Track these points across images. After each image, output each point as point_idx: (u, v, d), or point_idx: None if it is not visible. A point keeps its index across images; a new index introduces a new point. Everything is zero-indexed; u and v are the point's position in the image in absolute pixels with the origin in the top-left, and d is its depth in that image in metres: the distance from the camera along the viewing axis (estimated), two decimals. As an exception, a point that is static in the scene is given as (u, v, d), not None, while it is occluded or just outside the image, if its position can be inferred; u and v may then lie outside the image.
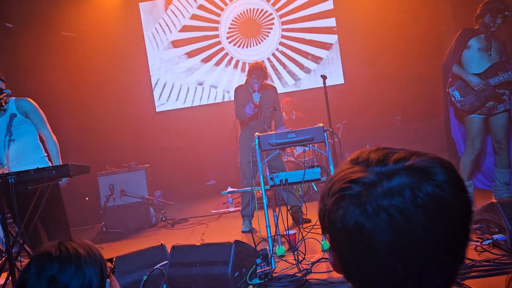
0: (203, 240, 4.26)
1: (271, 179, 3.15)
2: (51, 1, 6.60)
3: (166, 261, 2.92)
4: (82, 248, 1.11)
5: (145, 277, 2.83)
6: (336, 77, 7.77)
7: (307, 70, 7.86)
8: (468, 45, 3.77)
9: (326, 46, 7.84)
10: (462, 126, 4.09)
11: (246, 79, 4.40)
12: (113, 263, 1.26)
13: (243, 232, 4.39)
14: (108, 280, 1.15)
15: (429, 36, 7.24)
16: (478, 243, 2.92)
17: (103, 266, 1.14)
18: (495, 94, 3.68)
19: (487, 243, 2.89)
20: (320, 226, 0.67)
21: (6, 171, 3.13)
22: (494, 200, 3.05)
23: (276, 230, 3.33)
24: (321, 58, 7.84)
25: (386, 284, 0.59)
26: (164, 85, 8.05)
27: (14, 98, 3.41)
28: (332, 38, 7.83)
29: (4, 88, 3.27)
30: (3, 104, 3.06)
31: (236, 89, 4.47)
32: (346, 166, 0.65)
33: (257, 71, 4.22)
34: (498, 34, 3.83)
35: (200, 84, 8.01)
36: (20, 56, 6.42)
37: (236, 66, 7.91)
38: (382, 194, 0.58)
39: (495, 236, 2.90)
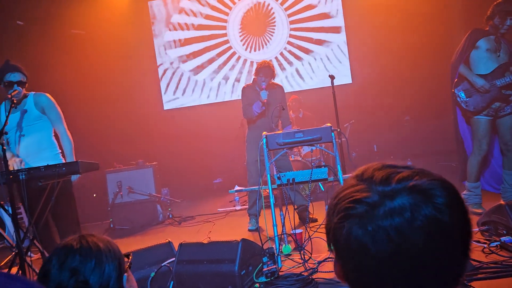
0: (209, 238, 4.28)
1: (278, 178, 3.16)
2: (59, -1, 6.67)
3: (174, 258, 2.94)
4: (102, 243, 1.14)
5: (152, 274, 2.86)
6: (344, 77, 7.75)
7: (314, 69, 7.85)
8: (476, 46, 3.75)
9: (334, 45, 7.82)
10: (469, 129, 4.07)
11: (254, 79, 4.42)
12: (130, 259, 1.28)
13: (249, 230, 4.41)
14: (125, 274, 1.18)
15: (438, 36, 7.19)
16: (485, 245, 2.91)
17: (121, 261, 1.17)
18: (501, 95, 3.65)
19: (495, 245, 2.88)
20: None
21: (18, 161, 3.17)
22: (502, 202, 3.03)
23: (282, 229, 3.34)
24: (328, 57, 7.83)
25: None
26: (172, 83, 8.09)
27: (34, 92, 3.45)
28: (340, 38, 7.81)
29: (25, 81, 3.32)
30: (15, 101, 3.10)
31: (244, 89, 4.49)
32: (351, 182, 0.68)
33: (264, 70, 4.24)
34: (510, 36, 3.80)
35: (208, 82, 8.03)
36: (30, 53, 6.49)
37: (244, 65, 7.93)
38: (383, 215, 0.60)
39: (503, 238, 2.88)
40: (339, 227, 0.64)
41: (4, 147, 2.85)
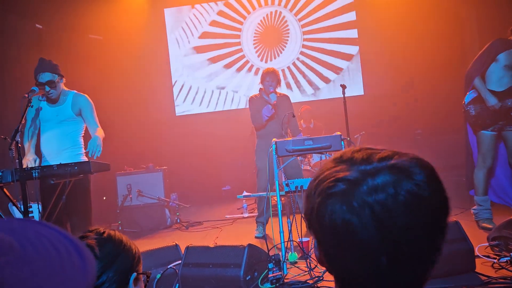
0: (216, 243, 4.28)
1: (287, 185, 3.17)
2: (79, 4, 6.79)
3: (180, 261, 2.96)
4: (124, 237, 1.19)
5: (158, 276, 2.87)
6: (356, 88, 7.75)
7: (327, 80, 7.87)
8: (496, 59, 3.64)
9: (347, 57, 7.84)
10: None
11: (260, 88, 4.49)
12: (148, 277, 1.29)
13: (256, 238, 4.41)
14: (135, 273, 1.19)
15: (451, 50, 7.17)
16: (495, 260, 2.87)
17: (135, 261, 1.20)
18: (508, 115, 3.63)
19: (505, 260, 2.84)
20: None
21: (32, 161, 3.22)
22: (513, 217, 3.00)
23: (289, 236, 3.34)
24: (341, 69, 7.85)
25: (369, 276, 0.63)
26: (184, 89, 8.17)
27: (75, 92, 3.53)
28: (353, 49, 7.83)
29: (56, 80, 3.37)
30: (31, 100, 3.16)
31: (251, 98, 4.55)
32: (331, 164, 0.69)
33: (271, 74, 4.34)
34: None
35: (220, 90, 8.10)
36: (48, 55, 6.56)
37: (256, 73, 7.98)
38: (367, 191, 0.61)
39: (512, 254, 2.84)
40: (322, 207, 0.64)
41: (20, 145, 2.91)
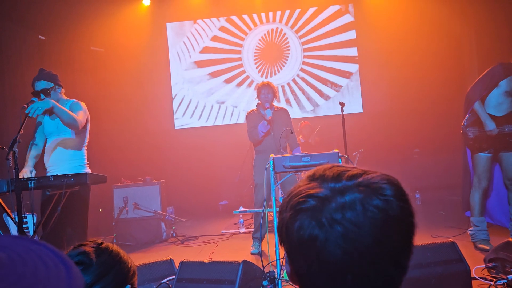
0: (211, 258, 4.25)
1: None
2: (82, 16, 6.87)
3: (174, 276, 2.92)
4: (120, 251, 1.19)
5: (151, 291, 2.84)
6: (355, 106, 7.79)
7: (326, 97, 7.92)
8: (499, 85, 3.68)
9: (346, 74, 7.90)
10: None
11: (257, 103, 4.51)
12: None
13: (252, 254, 4.37)
14: (129, 285, 1.19)
15: (450, 69, 7.24)
16: (492, 283, 2.85)
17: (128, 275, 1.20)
18: (505, 141, 3.68)
19: (502, 283, 2.81)
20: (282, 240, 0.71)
21: (28, 172, 3.21)
22: (510, 239, 2.98)
23: (285, 253, 3.31)
24: (341, 86, 7.90)
25: None
26: (183, 103, 8.21)
27: (73, 100, 3.48)
28: (353, 67, 7.89)
29: (50, 88, 3.34)
30: (28, 110, 3.14)
31: (248, 113, 4.57)
32: (304, 182, 0.70)
33: (266, 87, 4.38)
34: None
35: (220, 104, 8.13)
36: (50, 66, 6.63)
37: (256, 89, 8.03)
38: (335, 208, 0.62)
39: (510, 277, 2.82)
40: (291, 221, 0.65)
41: (16, 155, 2.91)
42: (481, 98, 3.76)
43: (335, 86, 7.92)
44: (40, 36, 6.81)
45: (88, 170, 3.45)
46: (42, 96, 3.29)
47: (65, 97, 3.51)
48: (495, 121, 3.67)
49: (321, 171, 0.70)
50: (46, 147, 3.42)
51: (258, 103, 4.53)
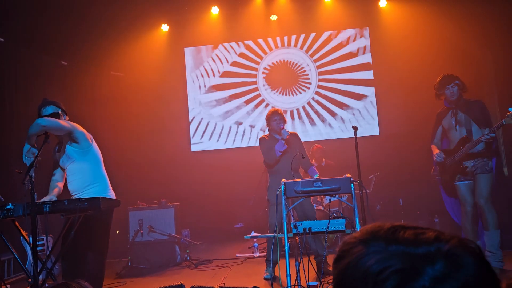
0: (224, 284, 4.22)
1: (295, 227, 3.14)
2: (102, 42, 7.10)
3: (184, 302, 2.91)
4: None
5: (161, 316, 2.83)
6: (371, 129, 7.74)
7: (341, 120, 7.89)
8: (442, 125, 4.31)
9: (362, 97, 7.89)
10: (453, 200, 4.51)
11: (269, 128, 4.57)
12: None
13: (265, 279, 4.32)
14: None
15: (468, 94, 7.11)
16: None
17: None
18: (460, 167, 4.07)
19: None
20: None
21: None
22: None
23: (297, 279, 3.26)
24: (357, 109, 7.88)
25: None
26: (201, 126, 8.30)
27: None
28: (368, 90, 7.88)
29: (59, 113, 3.37)
30: (48, 137, 3.21)
31: (262, 138, 4.65)
32: (360, 248, 0.57)
33: (277, 113, 4.49)
34: (469, 94, 4.30)
35: (238, 126, 8.20)
36: (72, 90, 6.89)
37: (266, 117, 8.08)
38: (429, 283, 0.51)
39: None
40: None
41: (33, 180, 2.98)
42: (433, 143, 4.43)
43: (351, 109, 7.90)
44: (62, 62, 7.06)
45: (111, 193, 3.44)
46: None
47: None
48: (449, 153, 4.16)
49: (380, 228, 0.57)
50: (67, 176, 3.45)
51: (269, 129, 4.59)
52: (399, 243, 0.53)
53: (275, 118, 4.45)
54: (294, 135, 4.59)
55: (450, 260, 0.52)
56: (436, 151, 4.26)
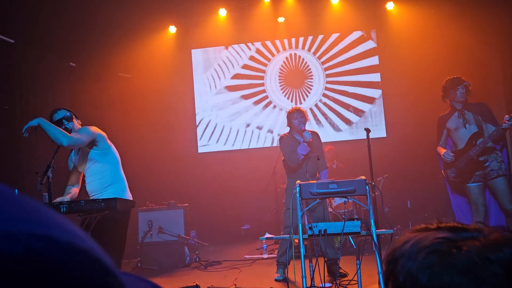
0: (235, 285, 4.23)
1: (310, 228, 3.14)
2: (110, 44, 7.12)
3: (200, 303, 2.92)
4: None
5: (178, 317, 2.84)
6: (378, 131, 7.75)
7: (349, 122, 7.90)
8: (447, 128, 4.30)
9: (369, 100, 7.90)
10: (461, 198, 4.52)
11: (290, 127, 4.48)
12: None
13: (276, 280, 4.32)
14: None
15: (476, 96, 7.09)
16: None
17: None
18: (477, 163, 4.04)
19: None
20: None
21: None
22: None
23: (311, 282, 3.27)
24: (364, 111, 7.89)
25: None
26: (208, 128, 8.32)
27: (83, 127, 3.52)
28: (376, 93, 7.89)
29: (71, 115, 3.39)
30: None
31: (282, 138, 4.52)
32: (414, 232, 0.65)
33: (299, 112, 4.37)
34: (473, 98, 4.32)
35: (246, 127, 8.21)
36: (81, 92, 6.91)
37: (279, 112, 8.09)
38: (484, 249, 0.57)
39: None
40: (425, 265, 0.59)
41: (50, 181, 3.00)
42: (440, 144, 4.43)
43: (358, 112, 7.91)
44: (71, 63, 7.09)
45: (129, 194, 3.45)
46: (65, 122, 3.29)
47: (80, 127, 3.51)
48: (459, 153, 4.16)
49: (436, 224, 0.65)
50: (84, 177, 3.47)
51: (290, 128, 4.50)
52: (457, 230, 0.61)
53: (296, 116, 4.32)
54: (315, 134, 4.47)
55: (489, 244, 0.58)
56: (443, 151, 4.26)
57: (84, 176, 3.46)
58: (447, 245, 0.59)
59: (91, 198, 3.36)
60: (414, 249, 0.62)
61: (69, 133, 3.19)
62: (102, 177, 3.36)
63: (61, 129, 3.15)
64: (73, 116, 3.44)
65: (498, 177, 3.99)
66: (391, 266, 0.65)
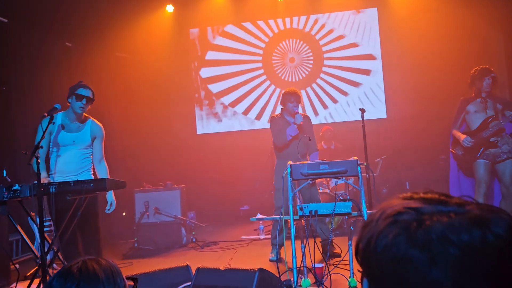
0: (229, 265, 4.25)
1: (301, 209, 3.12)
2: (107, 23, 7.00)
3: (190, 283, 2.93)
4: (104, 273, 1.13)
5: (167, 297, 2.85)
6: (378, 112, 7.67)
7: (348, 103, 7.81)
8: (467, 110, 4.44)
9: (370, 79, 7.79)
10: (466, 181, 4.68)
11: (282, 108, 4.44)
12: (136, 284, 1.28)
13: (270, 261, 4.34)
14: None
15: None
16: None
17: None
18: (488, 143, 4.22)
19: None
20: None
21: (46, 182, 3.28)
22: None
23: (302, 261, 3.26)
24: (364, 91, 7.79)
25: None
26: (205, 108, 8.26)
27: (92, 120, 3.67)
28: (376, 73, 7.78)
29: (92, 99, 3.58)
30: (53, 117, 3.22)
31: (273, 118, 4.51)
32: (399, 200, 0.63)
33: (294, 95, 4.31)
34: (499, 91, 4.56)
35: (241, 109, 8.15)
36: (77, 72, 6.83)
37: (279, 96, 8.01)
38: (447, 227, 0.54)
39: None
40: (385, 233, 0.58)
41: (39, 160, 2.98)
42: (458, 125, 4.55)
43: (359, 91, 7.81)
44: (66, 43, 7.00)
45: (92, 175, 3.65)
46: (84, 101, 3.48)
47: (86, 114, 3.64)
48: (474, 133, 4.31)
49: (420, 193, 0.63)
50: (62, 156, 3.54)
51: (282, 109, 4.47)
52: (431, 202, 0.60)
53: (291, 99, 4.28)
54: (306, 118, 4.47)
55: (477, 219, 0.56)
56: (462, 136, 4.37)
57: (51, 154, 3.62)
58: (412, 217, 0.57)
59: (60, 178, 3.47)
60: (380, 217, 0.60)
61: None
62: (81, 163, 3.60)
63: (107, 173, 3.65)
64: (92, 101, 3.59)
65: (508, 159, 4.17)
66: (360, 232, 0.64)
